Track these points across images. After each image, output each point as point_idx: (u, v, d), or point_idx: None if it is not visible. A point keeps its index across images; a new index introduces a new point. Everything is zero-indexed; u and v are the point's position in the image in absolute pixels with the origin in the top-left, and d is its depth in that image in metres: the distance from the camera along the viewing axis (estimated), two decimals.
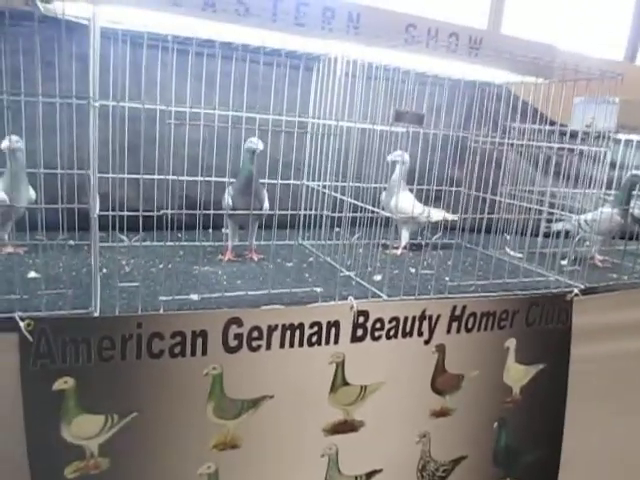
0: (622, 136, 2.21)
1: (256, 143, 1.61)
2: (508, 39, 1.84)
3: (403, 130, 1.42)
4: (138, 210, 1.41)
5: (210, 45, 1.70)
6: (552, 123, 1.91)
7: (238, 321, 1.23)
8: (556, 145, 1.80)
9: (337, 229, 1.76)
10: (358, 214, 1.65)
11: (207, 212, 1.61)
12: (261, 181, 1.72)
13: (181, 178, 1.71)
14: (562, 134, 1.87)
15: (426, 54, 1.63)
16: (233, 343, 1.24)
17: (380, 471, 1.50)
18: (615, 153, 2.31)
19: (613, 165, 2.31)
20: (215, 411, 1.27)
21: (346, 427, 1.42)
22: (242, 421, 1.30)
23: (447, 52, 1.63)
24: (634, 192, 2.00)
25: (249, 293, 1.35)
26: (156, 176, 1.65)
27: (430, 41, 1.62)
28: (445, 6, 3.17)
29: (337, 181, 1.74)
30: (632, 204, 2.05)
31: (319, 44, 1.67)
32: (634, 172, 1.96)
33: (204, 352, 1.22)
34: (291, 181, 1.89)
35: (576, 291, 1.63)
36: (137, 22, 1.52)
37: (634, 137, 2.24)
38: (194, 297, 1.30)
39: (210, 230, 1.85)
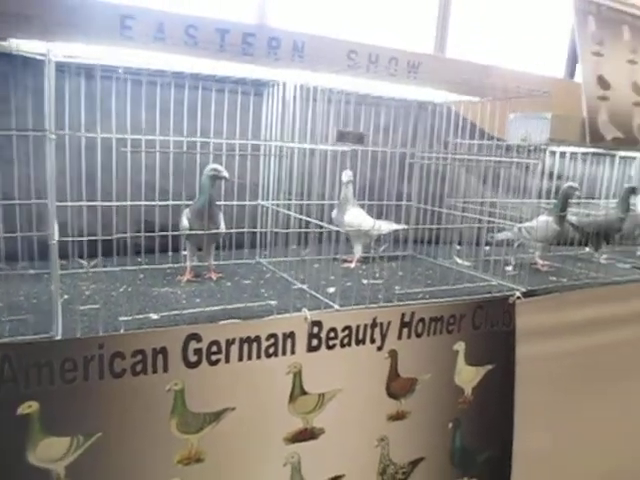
0: (558, 149, 2.36)
1: (220, 170, 1.66)
2: (445, 61, 1.97)
3: (347, 149, 1.51)
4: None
5: (162, 74, 1.78)
6: (491, 138, 2.04)
7: (197, 337, 1.28)
8: (493, 158, 1.92)
9: (294, 246, 1.83)
10: (310, 229, 1.73)
11: (163, 234, 1.66)
12: (217, 203, 1.78)
13: (138, 203, 1.76)
14: (500, 148, 2.00)
15: (368, 78, 1.74)
16: (193, 358, 1.29)
17: (342, 476, 1.55)
18: (553, 165, 2.47)
19: (552, 176, 2.46)
20: (178, 426, 1.30)
21: (306, 435, 1.47)
22: (205, 434, 1.33)
23: (387, 75, 1.74)
24: (570, 201, 2.14)
25: (206, 309, 1.40)
26: (114, 202, 1.70)
27: (371, 65, 1.72)
28: (393, 29, 3.29)
29: (289, 200, 1.82)
30: (569, 212, 2.19)
31: (267, 72, 1.76)
32: (570, 184, 2.09)
33: (165, 369, 1.26)
34: (247, 202, 1.96)
35: (518, 294, 1.72)
36: (91, 55, 1.59)
37: (569, 149, 2.39)
38: (154, 316, 1.35)
39: (170, 253, 1.90)
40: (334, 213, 2.00)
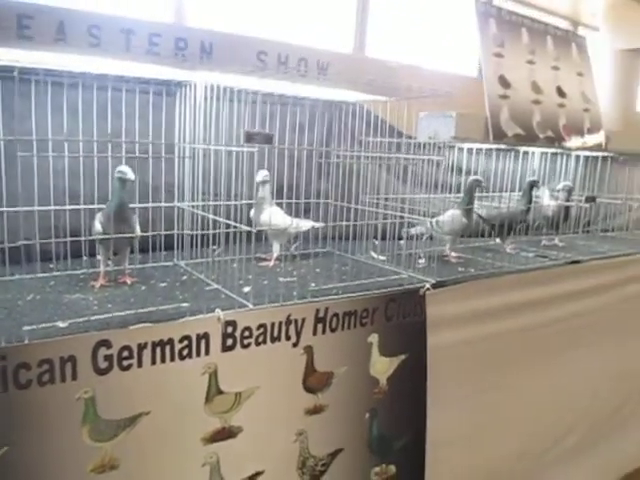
0: (464, 145, 2.47)
1: (126, 173, 1.63)
2: (354, 61, 2.02)
3: (255, 150, 1.52)
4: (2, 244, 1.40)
5: (69, 75, 1.73)
6: (401, 135, 2.11)
7: (107, 343, 1.27)
8: (403, 156, 1.99)
9: (214, 247, 1.84)
10: (227, 230, 1.73)
11: (74, 239, 1.62)
12: (132, 206, 1.76)
13: (47, 208, 1.71)
14: (410, 145, 2.07)
15: (278, 79, 1.76)
16: (103, 365, 1.27)
17: (262, 472, 1.57)
18: (462, 160, 2.59)
19: (462, 171, 2.58)
20: (90, 434, 1.28)
21: (224, 434, 1.47)
22: (120, 441, 1.32)
23: (297, 76, 1.77)
24: (476, 194, 2.25)
25: (117, 314, 1.38)
26: (21, 208, 1.64)
27: (281, 66, 1.74)
28: (316, 30, 3.34)
29: (204, 200, 1.82)
30: (478, 205, 2.31)
31: (176, 72, 1.75)
32: (475, 177, 2.21)
33: (74, 377, 1.24)
34: (163, 204, 1.94)
35: (428, 285, 1.79)
36: None
37: (475, 146, 2.51)
38: (61, 324, 1.32)
39: (84, 258, 1.86)
40: (252, 213, 2.02)
